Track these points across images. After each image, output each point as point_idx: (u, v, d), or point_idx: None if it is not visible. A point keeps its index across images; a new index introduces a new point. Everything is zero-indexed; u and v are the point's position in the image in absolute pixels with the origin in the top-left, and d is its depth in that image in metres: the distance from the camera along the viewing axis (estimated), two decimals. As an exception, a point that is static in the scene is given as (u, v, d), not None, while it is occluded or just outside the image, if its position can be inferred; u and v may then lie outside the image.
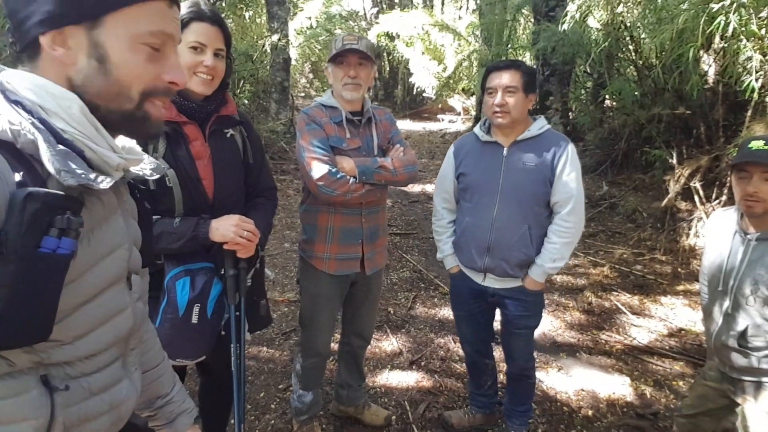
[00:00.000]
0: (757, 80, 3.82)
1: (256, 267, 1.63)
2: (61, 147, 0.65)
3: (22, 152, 0.65)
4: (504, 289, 2.03)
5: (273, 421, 2.42)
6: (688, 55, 3.76)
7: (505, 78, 1.85)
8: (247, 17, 10.61)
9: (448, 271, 2.19)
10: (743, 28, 3.54)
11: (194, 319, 1.46)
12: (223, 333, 1.60)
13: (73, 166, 0.65)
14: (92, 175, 0.67)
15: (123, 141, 0.81)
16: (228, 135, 1.59)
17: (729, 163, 1.81)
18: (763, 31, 3.72)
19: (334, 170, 1.82)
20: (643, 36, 5.33)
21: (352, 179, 1.86)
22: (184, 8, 1.39)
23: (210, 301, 1.49)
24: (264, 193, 1.73)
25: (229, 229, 1.45)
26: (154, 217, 1.44)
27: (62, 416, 0.71)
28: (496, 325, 2.28)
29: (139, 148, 0.83)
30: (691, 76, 4.23)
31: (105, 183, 0.68)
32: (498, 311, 2.19)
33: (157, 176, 0.83)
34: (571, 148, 1.91)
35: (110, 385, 0.79)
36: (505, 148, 1.95)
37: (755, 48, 3.75)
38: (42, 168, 0.65)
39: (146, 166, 0.82)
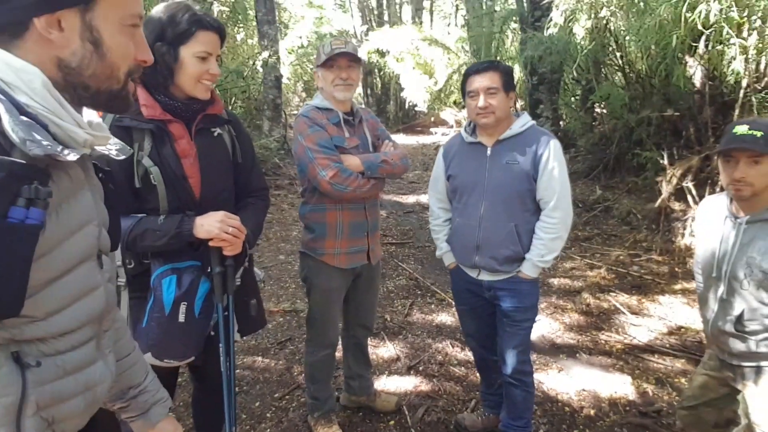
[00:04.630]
0: (741, 80, 3.88)
1: (245, 266, 1.61)
2: (24, 118, 0.63)
3: None
4: (498, 281, 2.03)
5: (268, 430, 2.38)
6: (671, 45, 3.81)
7: (485, 80, 1.89)
8: (239, 39, 10.76)
9: (447, 267, 2.22)
10: (724, 16, 3.60)
11: (181, 318, 1.43)
12: (212, 334, 1.57)
13: (38, 137, 0.63)
14: (58, 148, 0.66)
15: (91, 117, 0.80)
16: (216, 134, 1.58)
17: (715, 149, 1.82)
18: (745, 33, 3.78)
19: (343, 168, 1.92)
20: (627, 39, 5.41)
21: (359, 175, 1.96)
22: (183, 15, 1.39)
23: (197, 300, 1.46)
24: (255, 193, 1.72)
25: (213, 225, 1.43)
26: (139, 215, 1.43)
27: (34, 395, 0.70)
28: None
29: (106, 126, 0.82)
30: (677, 68, 4.28)
31: (72, 155, 0.67)
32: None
33: (123, 157, 0.82)
34: (553, 144, 1.91)
35: (85, 365, 0.78)
36: (488, 148, 1.97)
37: (740, 51, 3.81)
38: (4, 139, 0.63)
39: (112, 147, 0.82)
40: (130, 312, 1.46)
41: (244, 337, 1.81)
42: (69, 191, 0.73)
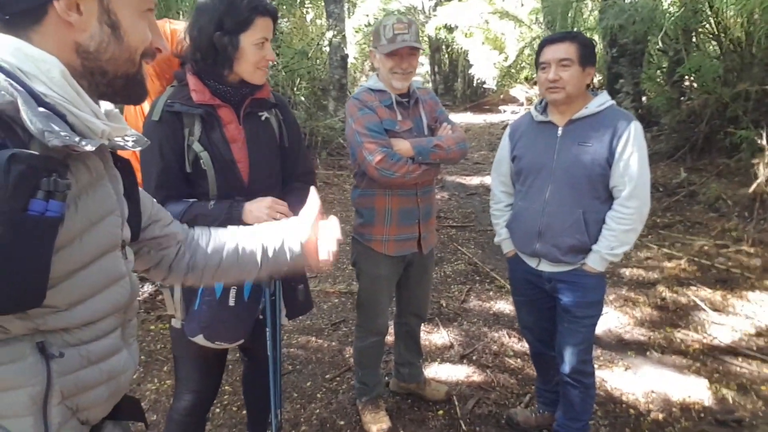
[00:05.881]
0: None
1: (291, 251, 1.61)
2: (41, 109, 0.63)
3: (1, 114, 0.63)
4: (559, 273, 1.90)
5: (318, 410, 2.42)
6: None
7: (559, 51, 1.74)
8: (308, 19, 10.86)
9: (505, 255, 2.12)
10: None
11: (231, 302, 1.47)
12: (261, 317, 1.60)
13: (57, 127, 0.63)
14: (76, 138, 0.65)
15: (108, 108, 0.79)
16: (263, 118, 1.59)
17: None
18: None
19: (391, 153, 1.87)
20: (724, 2, 4.81)
21: (409, 160, 1.90)
22: (241, 1, 1.39)
23: (246, 284, 1.49)
24: (302, 178, 1.71)
25: (262, 211, 1.45)
26: (190, 199, 1.47)
27: (59, 384, 0.71)
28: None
29: (122, 117, 0.82)
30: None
31: (90, 145, 0.66)
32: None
33: (139, 148, 0.81)
34: (634, 127, 1.74)
35: (109, 354, 0.79)
36: (559, 128, 1.83)
37: None
38: (23, 131, 0.63)
39: (129, 138, 0.81)
40: (182, 295, 1.52)
41: (300, 317, 1.84)
42: (88, 183, 0.73)
